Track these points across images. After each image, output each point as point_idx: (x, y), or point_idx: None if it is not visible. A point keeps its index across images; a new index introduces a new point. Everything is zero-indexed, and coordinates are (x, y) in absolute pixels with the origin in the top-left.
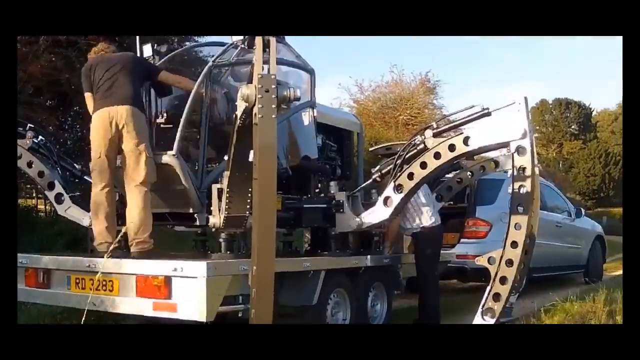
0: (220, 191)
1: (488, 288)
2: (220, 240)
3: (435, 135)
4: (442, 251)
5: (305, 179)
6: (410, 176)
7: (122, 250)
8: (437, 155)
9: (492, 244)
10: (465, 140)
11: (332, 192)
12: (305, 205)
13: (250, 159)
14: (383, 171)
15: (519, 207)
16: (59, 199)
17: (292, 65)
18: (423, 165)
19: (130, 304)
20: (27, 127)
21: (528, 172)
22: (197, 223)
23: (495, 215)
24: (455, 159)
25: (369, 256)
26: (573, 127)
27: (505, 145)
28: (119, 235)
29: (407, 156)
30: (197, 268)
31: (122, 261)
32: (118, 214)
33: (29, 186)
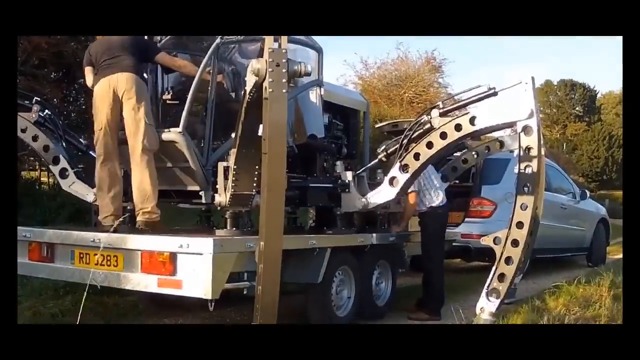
0: (226, 169)
1: (493, 268)
2: (226, 217)
3: (441, 115)
4: (447, 230)
5: (311, 158)
6: (417, 156)
7: (128, 225)
8: (443, 135)
9: (496, 224)
10: (472, 120)
11: (337, 171)
12: (310, 185)
13: (260, 133)
14: (389, 151)
15: (525, 187)
16: (63, 173)
17: (300, 44)
18: (429, 145)
19: (135, 280)
20: (33, 100)
21: (534, 152)
22: (203, 201)
23: (500, 195)
24: (462, 138)
25: (374, 234)
26: (577, 108)
27: (511, 125)
28: (126, 214)
29: (413, 136)
30: (203, 244)
31: (127, 236)
32: (124, 191)
33: (32, 158)
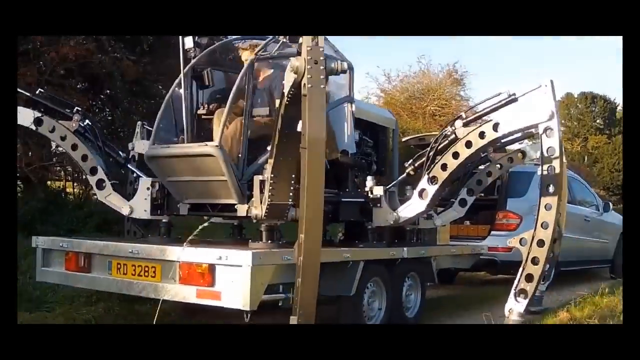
0: (262, 182)
1: (520, 269)
2: (261, 229)
3: (465, 125)
4: (473, 243)
5: (342, 174)
6: (444, 167)
7: (163, 237)
8: (468, 144)
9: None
10: (495, 127)
11: (368, 187)
12: (342, 199)
13: (299, 129)
14: (416, 164)
15: (548, 188)
16: (100, 184)
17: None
18: (455, 155)
19: (173, 291)
20: (75, 109)
21: (556, 153)
22: (237, 214)
23: (525, 208)
24: (487, 146)
25: (405, 248)
26: (598, 121)
27: (533, 127)
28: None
29: (439, 147)
30: (243, 257)
31: (165, 247)
32: (159, 204)
33: (57, 168)
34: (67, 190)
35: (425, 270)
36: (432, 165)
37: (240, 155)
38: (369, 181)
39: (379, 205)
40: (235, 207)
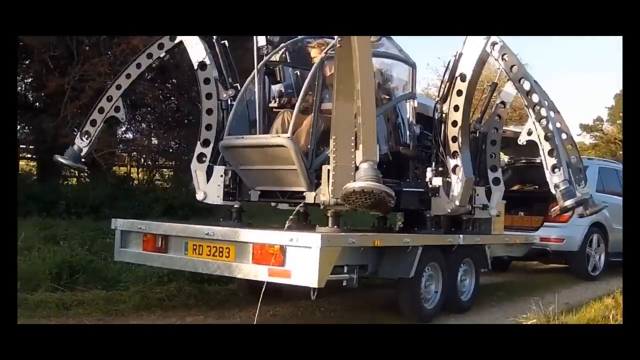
0: (329, 171)
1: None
2: (328, 215)
3: (443, 101)
4: (526, 233)
5: (403, 165)
6: (454, 139)
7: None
8: (456, 108)
9: (573, 228)
10: (462, 78)
11: (428, 178)
12: (403, 189)
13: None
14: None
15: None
16: (201, 158)
17: (395, 59)
18: (454, 123)
19: (246, 270)
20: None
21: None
22: (306, 201)
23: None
24: (470, 100)
25: (461, 235)
26: None
27: (485, 56)
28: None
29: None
30: (313, 239)
31: (240, 230)
32: (231, 191)
33: (124, 154)
34: (132, 175)
35: (480, 257)
36: (445, 146)
37: (309, 146)
38: (429, 172)
39: (437, 195)
40: (304, 194)
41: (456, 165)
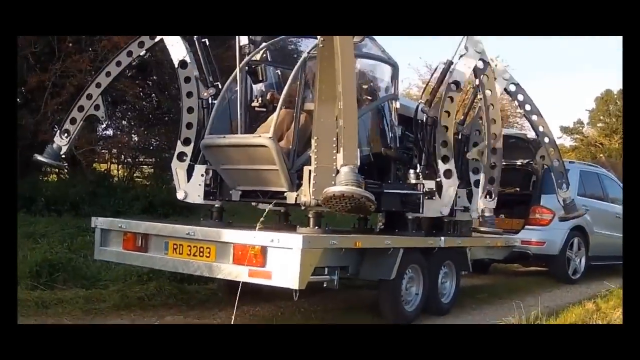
0: (311, 172)
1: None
2: (309, 216)
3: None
4: (507, 236)
5: (385, 166)
6: (444, 144)
7: (216, 220)
8: (447, 113)
9: (554, 232)
10: (456, 85)
11: (410, 179)
12: (384, 191)
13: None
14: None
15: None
16: (181, 156)
17: (377, 59)
18: (446, 128)
19: (227, 270)
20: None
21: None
22: (287, 201)
23: (559, 204)
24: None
25: (443, 238)
26: None
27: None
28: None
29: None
30: (294, 240)
31: (221, 230)
32: (212, 191)
33: (104, 151)
34: (112, 173)
35: (461, 259)
36: (435, 150)
37: (291, 146)
38: (411, 174)
39: (433, 197)
40: (285, 194)
41: (448, 170)
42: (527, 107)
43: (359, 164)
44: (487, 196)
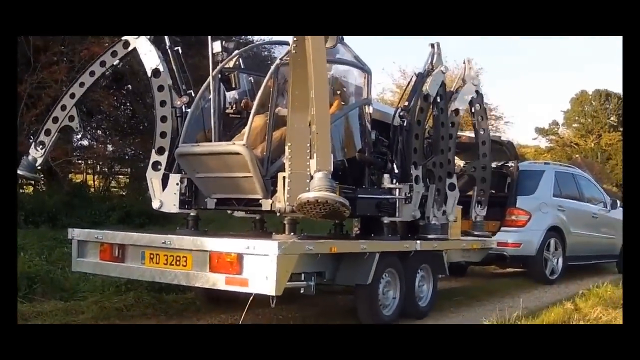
0: (285, 179)
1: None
2: (284, 222)
3: (402, 116)
4: (483, 238)
5: (359, 171)
6: (415, 150)
7: (192, 229)
8: (418, 122)
9: (530, 233)
10: (426, 98)
11: (385, 184)
12: (359, 196)
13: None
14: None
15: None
16: (156, 166)
17: (350, 65)
18: (417, 136)
19: (204, 279)
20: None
21: None
22: (262, 208)
23: (534, 205)
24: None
25: (418, 241)
26: (612, 118)
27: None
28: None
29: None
30: (269, 247)
31: (197, 239)
32: (188, 200)
33: (80, 162)
34: (88, 183)
35: (437, 262)
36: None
37: (265, 153)
38: (386, 179)
39: (408, 202)
40: (260, 201)
41: (417, 175)
42: (480, 118)
43: (332, 169)
44: (478, 205)
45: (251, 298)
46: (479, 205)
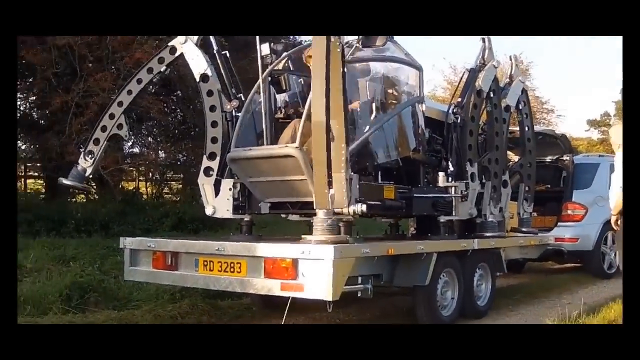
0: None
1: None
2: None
3: (456, 113)
4: (541, 234)
5: (414, 170)
6: (470, 147)
7: (245, 234)
8: (472, 119)
9: (588, 227)
10: (479, 94)
11: (440, 183)
12: (415, 195)
13: None
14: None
15: None
16: (208, 171)
17: (401, 62)
18: (470, 132)
19: (259, 285)
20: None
21: None
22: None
23: (591, 199)
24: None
25: (476, 240)
26: None
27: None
28: None
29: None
30: (325, 251)
31: (251, 244)
32: (241, 205)
33: (131, 169)
34: (141, 190)
35: (495, 260)
36: (462, 153)
37: None
38: (441, 177)
39: (464, 199)
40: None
41: (473, 173)
42: (525, 115)
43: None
44: (525, 201)
45: (289, 299)
46: (526, 202)
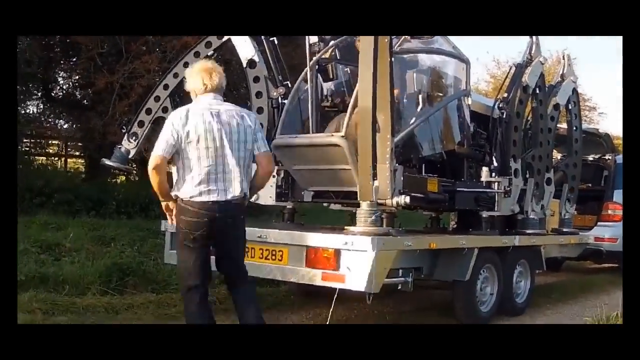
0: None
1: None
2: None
3: (502, 107)
4: (581, 233)
5: (458, 164)
6: (514, 143)
7: (287, 222)
8: (517, 114)
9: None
10: (525, 89)
11: (483, 177)
12: (458, 189)
13: None
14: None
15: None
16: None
17: (448, 55)
18: (515, 128)
19: (300, 274)
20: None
21: None
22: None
23: None
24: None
25: (517, 236)
26: None
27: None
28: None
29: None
30: (368, 242)
31: (293, 233)
32: (284, 192)
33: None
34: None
35: (535, 258)
36: (505, 148)
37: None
38: (484, 172)
39: (507, 195)
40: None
41: (516, 169)
42: (574, 115)
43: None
44: (567, 202)
45: (335, 295)
46: (568, 202)
